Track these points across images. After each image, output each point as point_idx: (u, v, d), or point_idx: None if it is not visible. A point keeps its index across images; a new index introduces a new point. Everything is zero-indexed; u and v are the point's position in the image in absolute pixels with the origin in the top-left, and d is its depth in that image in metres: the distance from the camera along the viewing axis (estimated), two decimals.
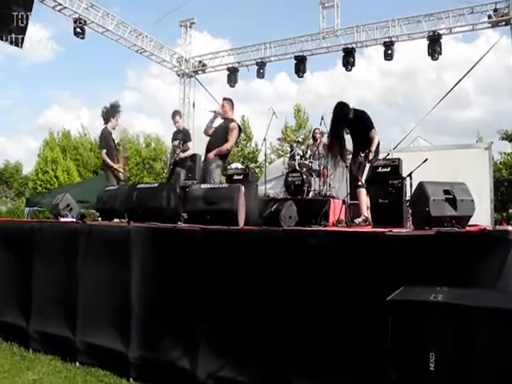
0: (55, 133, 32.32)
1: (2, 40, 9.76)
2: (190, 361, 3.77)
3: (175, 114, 8.55)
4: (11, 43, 9.85)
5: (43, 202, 14.68)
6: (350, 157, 6.16)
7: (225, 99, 7.14)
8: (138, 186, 5.29)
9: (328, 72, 44.98)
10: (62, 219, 5.90)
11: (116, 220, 5.50)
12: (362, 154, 5.67)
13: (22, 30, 9.85)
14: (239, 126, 7.06)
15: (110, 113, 7.92)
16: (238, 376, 3.49)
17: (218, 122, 7.10)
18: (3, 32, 9.62)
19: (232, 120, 6.94)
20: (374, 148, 5.73)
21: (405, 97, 42.25)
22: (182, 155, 7.93)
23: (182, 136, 8.15)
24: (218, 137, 6.88)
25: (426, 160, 5.38)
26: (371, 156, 5.70)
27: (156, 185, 5.32)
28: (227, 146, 6.78)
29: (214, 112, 7.00)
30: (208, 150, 6.91)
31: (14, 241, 5.39)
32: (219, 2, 34.26)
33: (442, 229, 3.22)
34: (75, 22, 11.58)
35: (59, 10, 11.48)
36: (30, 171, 33.48)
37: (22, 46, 10.05)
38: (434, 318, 2.20)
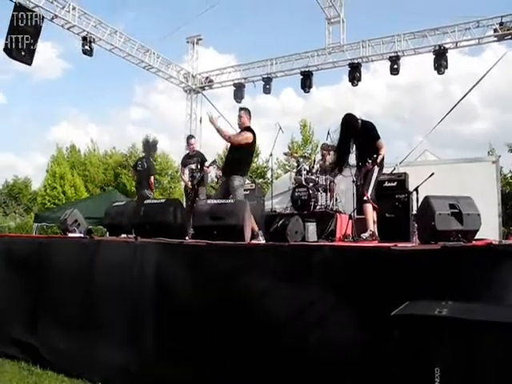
0: (64, 148, 32.69)
1: (12, 58, 9.93)
2: (194, 372, 3.76)
3: (190, 137, 8.85)
4: (21, 61, 10.02)
5: (51, 217, 14.79)
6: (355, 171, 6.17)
7: (242, 109, 6.92)
8: (145, 202, 5.32)
9: (334, 87, 45.26)
10: (69, 235, 5.94)
11: (123, 235, 5.54)
12: (370, 160, 5.63)
13: (32, 48, 10.03)
14: (252, 131, 6.73)
15: None
16: None
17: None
18: (13, 50, 9.78)
19: (245, 129, 6.75)
20: (382, 153, 5.70)
21: (411, 110, 42.36)
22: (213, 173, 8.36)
23: (200, 159, 8.38)
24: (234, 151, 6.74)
25: (433, 174, 5.38)
26: (380, 159, 5.65)
27: (163, 200, 5.35)
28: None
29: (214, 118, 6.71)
30: (226, 164, 6.84)
31: (23, 256, 5.42)
32: (225, 19, 34.61)
33: (448, 243, 3.21)
34: (83, 39, 11.75)
35: (68, 28, 11.65)
36: (38, 187, 33.83)
37: (31, 64, 10.22)
38: (439, 332, 2.20)
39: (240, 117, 6.80)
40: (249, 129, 6.71)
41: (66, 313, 4.80)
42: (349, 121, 5.92)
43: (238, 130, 6.88)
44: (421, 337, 2.25)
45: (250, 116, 6.86)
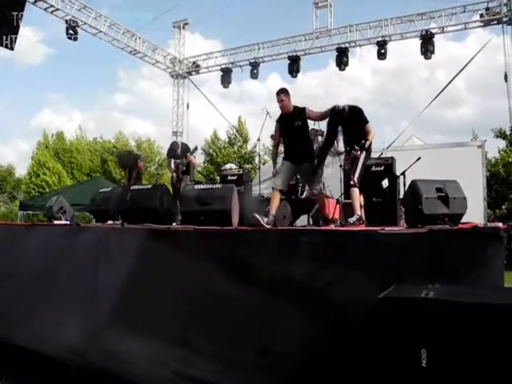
0: (49, 135, 32.22)
1: None
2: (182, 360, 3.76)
3: (175, 144, 8.81)
4: (2, 45, 9.82)
5: (37, 205, 14.63)
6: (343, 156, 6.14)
7: (281, 92, 5.74)
8: (132, 188, 5.28)
9: (320, 72, 45.16)
10: (55, 222, 5.88)
11: (110, 222, 5.49)
12: (357, 147, 5.57)
13: (14, 32, 9.83)
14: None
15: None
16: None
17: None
18: None
19: (301, 108, 5.75)
20: (371, 138, 5.65)
21: (396, 96, 42.49)
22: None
23: (184, 152, 8.34)
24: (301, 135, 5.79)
25: (419, 158, 5.39)
26: (368, 144, 5.60)
27: (149, 186, 5.31)
28: None
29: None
30: (297, 151, 5.82)
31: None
32: (210, 3, 34.16)
33: (435, 226, 3.23)
34: (67, 23, 11.54)
35: (51, 12, 11.43)
36: (22, 174, 33.40)
37: (13, 48, 10.02)
38: (425, 314, 2.21)
39: (281, 101, 5.71)
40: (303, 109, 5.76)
41: None
42: (333, 114, 5.82)
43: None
44: (407, 319, 2.27)
45: (289, 96, 5.78)
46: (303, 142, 5.77)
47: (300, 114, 5.71)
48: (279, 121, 5.91)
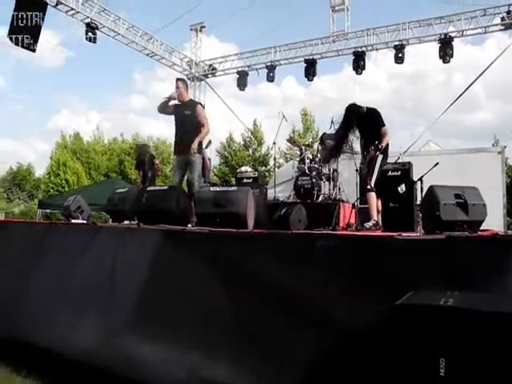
0: (67, 136, 32.72)
1: (17, 44, 9.87)
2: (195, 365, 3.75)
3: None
4: (24, 47, 9.96)
5: (56, 204, 14.82)
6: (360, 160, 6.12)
7: (179, 80, 6.67)
8: (148, 189, 5.31)
9: (335, 75, 45.02)
10: (73, 221, 5.94)
11: (126, 222, 5.53)
12: (372, 147, 5.57)
13: (36, 35, 9.97)
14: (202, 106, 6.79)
15: None
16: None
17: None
18: (18, 36, 9.74)
19: (194, 102, 6.85)
20: (385, 142, 5.64)
21: (413, 100, 42.15)
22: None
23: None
24: (189, 124, 6.46)
25: (437, 164, 5.34)
26: (382, 146, 5.58)
27: (165, 187, 5.33)
28: (205, 130, 6.54)
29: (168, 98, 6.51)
30: (181, 139, 6.60)
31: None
32: (226, 7, 34.31)
33: (453, 233, 3.19)
34: (87, 26, 11.67)
35: (72, 15, 11.58)
36: (41, 174, 33.93)
37: (35, 50, 10.17)
38: (444, 322, 2.18)
39: (177, 87, 6.52)
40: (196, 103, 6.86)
41: None
42: (351, 110, 5.86)
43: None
44: (426, 327, 2.24)
45: (187, 87, 6.75)
46: (188, 129, 6.43)
47: (193, 106, 6.61)
48: (175, 106, 6.60)
